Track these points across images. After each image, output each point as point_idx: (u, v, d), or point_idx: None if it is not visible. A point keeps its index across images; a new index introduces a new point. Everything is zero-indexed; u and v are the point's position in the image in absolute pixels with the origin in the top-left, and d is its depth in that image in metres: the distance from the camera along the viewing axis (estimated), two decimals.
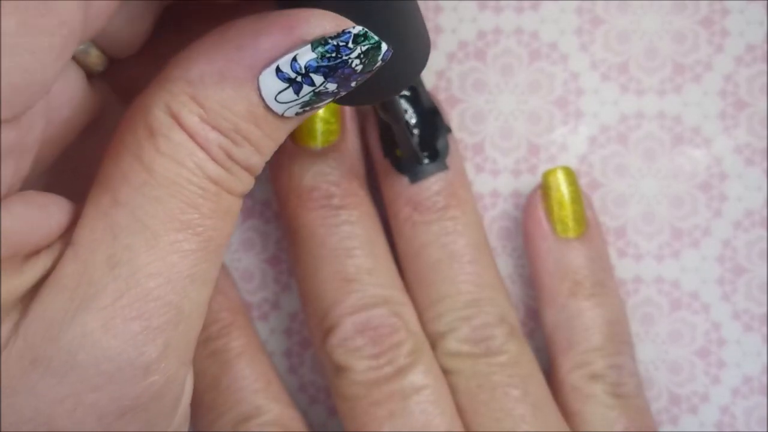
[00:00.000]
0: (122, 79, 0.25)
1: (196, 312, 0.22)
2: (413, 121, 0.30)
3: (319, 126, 0.30)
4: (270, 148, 0.23)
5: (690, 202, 0.32)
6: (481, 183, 0.32)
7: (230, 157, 0.22)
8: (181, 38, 0.24)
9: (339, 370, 0.29)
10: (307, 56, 0.21)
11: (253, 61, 0.21)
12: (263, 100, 0.21)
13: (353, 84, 0.22)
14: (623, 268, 0.32)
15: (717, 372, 0.32)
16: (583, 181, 0.32)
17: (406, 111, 0.30)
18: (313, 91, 0.21)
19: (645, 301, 0.32)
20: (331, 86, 0.21)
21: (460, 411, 0.29)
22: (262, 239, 0.33)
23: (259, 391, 0.30)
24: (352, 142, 0.30)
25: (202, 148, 0.21)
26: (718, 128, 0.32)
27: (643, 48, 0.32)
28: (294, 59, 0.21)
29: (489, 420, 0.29)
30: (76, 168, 0.24)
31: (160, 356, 0.21)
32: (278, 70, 0.21)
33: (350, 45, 0.21)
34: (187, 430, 0.24)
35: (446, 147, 0.30)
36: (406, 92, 0.30)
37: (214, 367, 0.30)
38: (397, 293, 0.30)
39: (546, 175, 0.31)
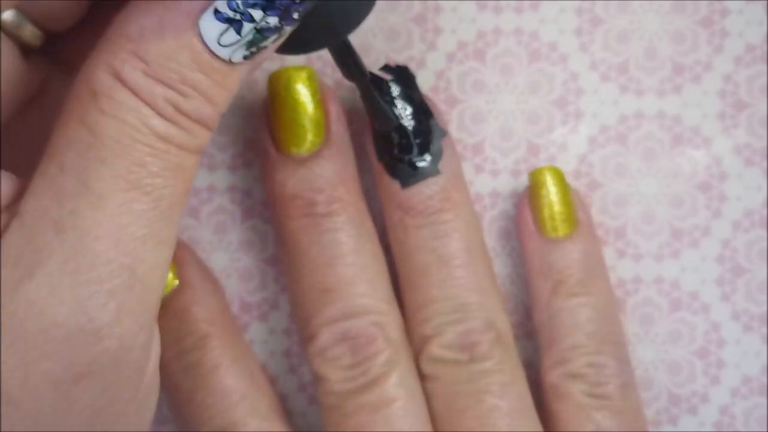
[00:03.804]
0: (64, 53, 0.25)
1: (153, 274, 0.22)
2: (409, 124, 0.30)
3: (302, 132, 0.29)
4: (222, 97, 0.22)
5: (690, 202, 0.32)
6: (481, 183, 0.32)
7: (179, 110, 0.21)
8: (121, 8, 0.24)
9: (318, 379, 0.29)
10: None
11: (190, 6, 0.21)
12: (206, 45, 0.21)
13: (296, 15, 0.21)
14: (623, 268, 0.32)
15: (716, 372, 0.32)
16: (582, 181, 0.32)
17: (397, 109, 0.30)
18: (255, 27, 0.21)
19: (644, 302, 0.32)
20: (272, 20, 0.21)
21: (436, 418, 0.29)
22: (262, 239, 0.33)
23: (232, 406, 0.30)
24: (339, 146, 0.30)
25: (147, 103, 0.21)
26: (718, 128, 0.32)
27: (642, 48, 0.32)
28: None
29: (462, 427, 0.29)
30: (20, 145, 0.24)
31: (113, 321, 0.21)
32: (216, 11, 0.21)
33: None
34: (156, 397, 0.24)
35: (440, 151, 0.30)
36: (397, 91, 0.30)
37: (189, 382, 0.30)
38: (380, 302, 0.29)
39: (532, 175, 0.31)
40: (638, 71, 0.32)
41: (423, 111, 0.30)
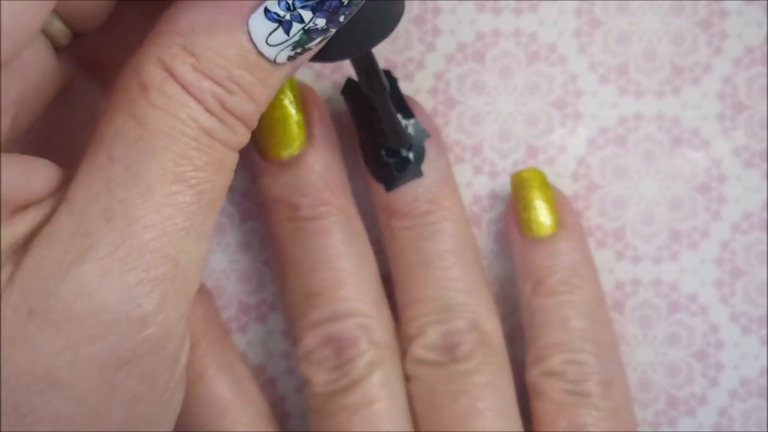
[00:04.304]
0: (89, 54, 0.25)
1: (193, 266, 0.22)
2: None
3: (285, 136, 0.29)
4: (264, 95, 0.22)
5: (689, 204, 0.32)
6: (480, 184, 0.32)
7: (224, 106, 0.22)
8: (147, 12, 0.24)
9: (304, 381, 0.29)
10: None
11: (241, 4, 0.21)
12: (254, 44, 0.21)
13: (341, 19, 0.22)
14: (621, 270, 0.32)
15: (715, 374, 0.32)
16: (581, 183, 0.32)
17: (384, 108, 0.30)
18: (303, 28, 0.21)
19: (643, 303, 0.32)
20: (321, 21, 0.21)
21: (417, 418, 0.29)
22: (260, 240, 0.33)
23: (216, 416, 0.30)
24: (321, 149, 0.30)
25: (195, 98, 0.21)
26: (717, 130, 0.32)
27: (641, 49, 0.32)
28: None
29: (440, 427, 0.29)
30: (45, 142, 0.24)
31: (157, 308, 0.21)
32: (267, 11, 0.21)
33: None
34: (184, 390, 0.24)
35: (422, 152, 0.30)
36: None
37: None
38: (365, 305, 0.29)
39: (513, 178, 0.31)
40: (637, 73, 0.32)
41: (404, 112, 0.30)
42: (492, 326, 0.30)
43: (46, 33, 0.23)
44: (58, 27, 0.23)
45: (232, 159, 0.23)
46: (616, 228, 0.32)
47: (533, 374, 0.30)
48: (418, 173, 0.30)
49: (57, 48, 0.24)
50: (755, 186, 0.32)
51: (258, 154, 0.30)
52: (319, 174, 0.29)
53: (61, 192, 0.22)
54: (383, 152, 0.30)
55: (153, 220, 0.21)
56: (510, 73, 0.32)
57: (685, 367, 0.32)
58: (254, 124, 0.23)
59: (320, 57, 0.24)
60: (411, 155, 0.30)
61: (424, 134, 0.30)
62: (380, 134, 0.30)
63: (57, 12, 0.23)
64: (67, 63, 0.24)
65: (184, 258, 0.22)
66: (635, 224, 0.32)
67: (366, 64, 0.27)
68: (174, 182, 0.21)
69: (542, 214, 0.30)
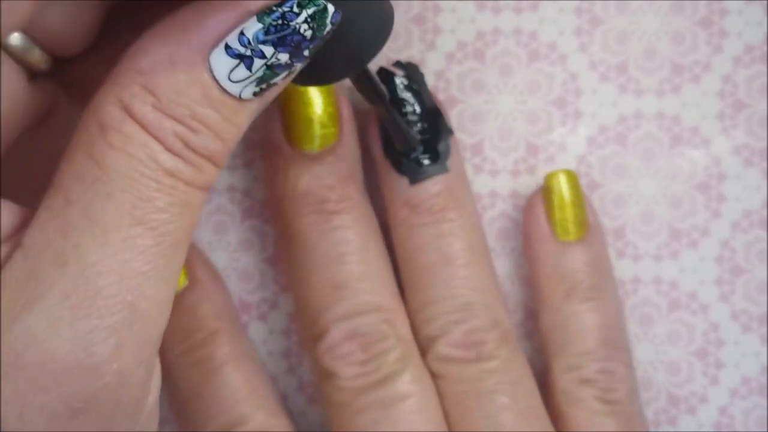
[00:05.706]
0: (73, 78, 0.24)
1: (156, 310, 0.21)
2: (417, 123, 0.30)
3: (317, 129, 0.29)
4: (231, 133, 0.22)
5: (688, 203, 0.32)
6: (480, 183, 0.32)
7: (188, 145, 0.21)
8: (135, 34, 0.24)
9: (327, 376, 0.29)
10: (253, 28, 0.20)
11: (201, 40, 0.21)
12: (217, 81, 0.21)
13: (306, 53, 0.21)
14: (622, 269, 0.32)
15: (715, 373, 0.32)
16: (581, 182, 0.32)
17: (403, 102, 0.30)
18: (265, 64, 0.21)
19: (643, 302, 0.32)
20: (283, 57, 0.21)
21: (447, 417, 0.29)
22: (261, 239, 0.33)
23: (241, 400, 0.30)
24: (349, 145, 0.30)
25: (156, 138, 0.21)
26: (717, 129, 0.32)
27: (641, 48, 0.32)
28: (241, 33, 0.20)
29: (473, 426, 0.29)
30: (25, 168, 0.24)
31: (112, 356, 0.21)
32: (227, 47, 0.21)
33: (295, 9, 0.21)
34: (155, 427, 0.24)
35: (448, 149, 0.30)
36: (408, 92, 0.30)
37: (198, 376, 0.30)
38: (389, 300, 0.29)
39: (548, 178, 0.31)
40: (637, 71, 0.32)
41: (432, 108, 0.30)
42: (508, 324, 0.30)
43: (23, 61, 0.22)
44: (37, 54, 0.22)
45: (200, 198, 0.22)
46: (616, 226, 0.32)
47: (567, 380, 0.30)
48: (444, 168, 0.30)
49: (37, 73, 0.23)
50: (755, 184, 0.32)
51: (288, 145, 0.30)
52: (347, 168, 0.30)
53: (19, 235, 0.21)
54: (409, 127, 0.30)
55: (108, 265, 0.20)
56: (510, 71, 0.32)
57: (686, 365, 0.32)
58: (223, 160, 0.22)
59: (309, 81, 0.23)
60: (426, 157, 0.30)
61: (449, 131, 0.30)
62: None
63: (35, 38, 0.22)
64: (46, 88, 0.23)
65: (143, 303, 0.21)
66: (635, 223, 0.32)
67: (362, 80, 0.26)
68: (132, 225, 0.21)
69: (577, 216, 0.31)
